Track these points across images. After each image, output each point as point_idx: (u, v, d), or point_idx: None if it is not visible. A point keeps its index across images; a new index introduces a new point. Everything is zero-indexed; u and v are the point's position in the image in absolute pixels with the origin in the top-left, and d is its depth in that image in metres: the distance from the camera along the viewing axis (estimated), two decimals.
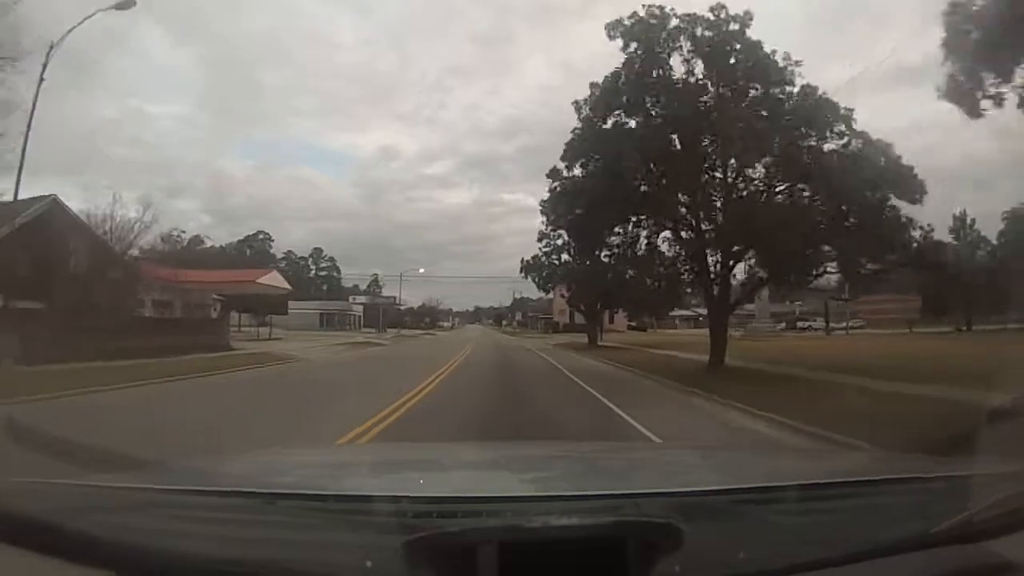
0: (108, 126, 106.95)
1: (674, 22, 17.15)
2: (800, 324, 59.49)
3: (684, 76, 17.05)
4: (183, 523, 1.31)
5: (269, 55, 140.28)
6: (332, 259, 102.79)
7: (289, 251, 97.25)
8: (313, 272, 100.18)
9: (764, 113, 16.42)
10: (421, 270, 66.57)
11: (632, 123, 17.60)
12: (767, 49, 16.88)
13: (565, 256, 32.19)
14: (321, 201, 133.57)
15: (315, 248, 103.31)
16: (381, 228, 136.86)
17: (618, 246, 19.80)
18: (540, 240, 32.59)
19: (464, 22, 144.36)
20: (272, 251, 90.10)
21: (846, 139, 16.30)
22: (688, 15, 17.19)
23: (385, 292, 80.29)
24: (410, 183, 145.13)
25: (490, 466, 2.42)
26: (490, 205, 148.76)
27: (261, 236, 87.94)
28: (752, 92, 16.91)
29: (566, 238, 26.49)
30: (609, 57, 17.97)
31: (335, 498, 1.47)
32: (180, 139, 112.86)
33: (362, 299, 75.15)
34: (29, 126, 17.25)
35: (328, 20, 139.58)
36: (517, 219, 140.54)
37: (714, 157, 17.34)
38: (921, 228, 15.86)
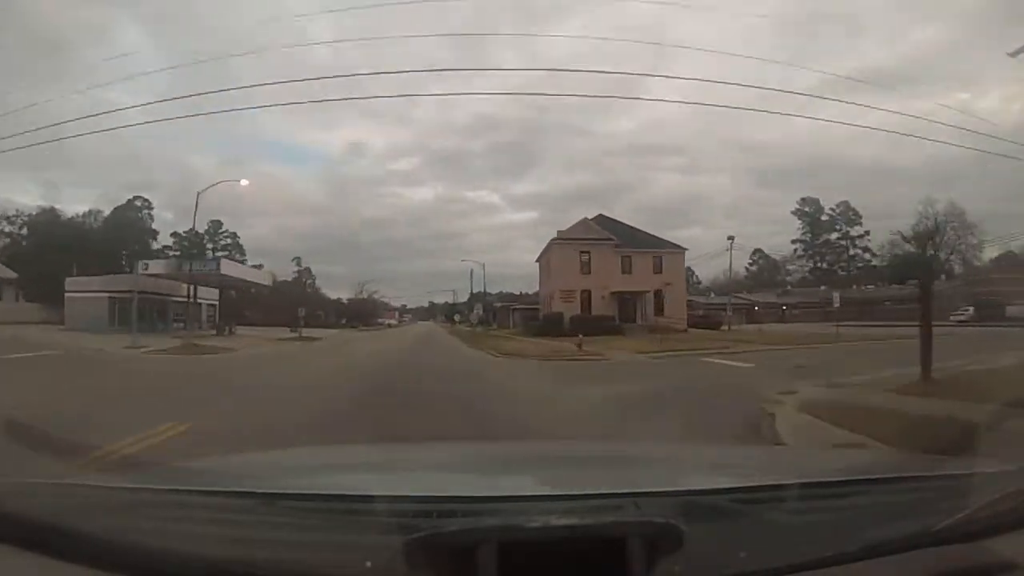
0: (72, 118, 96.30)
1: None
2: None
3: None
4: (182, 524, 1.37)
5: (241, 49, 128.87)
6: (235, 235, 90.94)
7: (191, 230, 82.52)
8: (211, 251, 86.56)
9: None
10: (244, 181, 50.93)
11: None
12: None
13: None
14: (287, 198, 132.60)
15: (212, 221, 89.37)
16: (347, 224, 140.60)
17: None
18: None
19: (439, 19, 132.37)
20: (153, 226, 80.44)
21: None
22: None
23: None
24: (377, 179, 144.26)
25: (490, 466, 2.49)
26: (454, 202, 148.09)
27: (139, 203, 77.62)
28: None
29: None
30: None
31: (335, 498, 1.54)
32: (146, 133, 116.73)
33: (159, 266, 46.99)
34: None
35: (302, 14, 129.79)
36: (481, 217, 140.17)
37: None
38: None
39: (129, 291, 43.83)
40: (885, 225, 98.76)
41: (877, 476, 1.82)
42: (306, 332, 49.59)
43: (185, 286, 47.06)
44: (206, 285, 49.26)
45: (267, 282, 61.34)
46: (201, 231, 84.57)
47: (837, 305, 33.80)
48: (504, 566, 1.07)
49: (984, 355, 19.10)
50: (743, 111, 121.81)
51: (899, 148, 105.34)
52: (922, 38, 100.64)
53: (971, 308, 49.43)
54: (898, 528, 1.32)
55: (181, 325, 45.17)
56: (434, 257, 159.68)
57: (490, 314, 76.32)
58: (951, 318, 48.95)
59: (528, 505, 1.45)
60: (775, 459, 2.88)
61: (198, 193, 42.61)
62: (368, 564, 1.11)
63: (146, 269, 45.78)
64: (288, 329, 50.28)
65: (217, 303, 55.70)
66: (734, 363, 19.70)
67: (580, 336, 28.67)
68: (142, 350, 26.12)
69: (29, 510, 1.32)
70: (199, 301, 51.23)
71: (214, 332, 44.97)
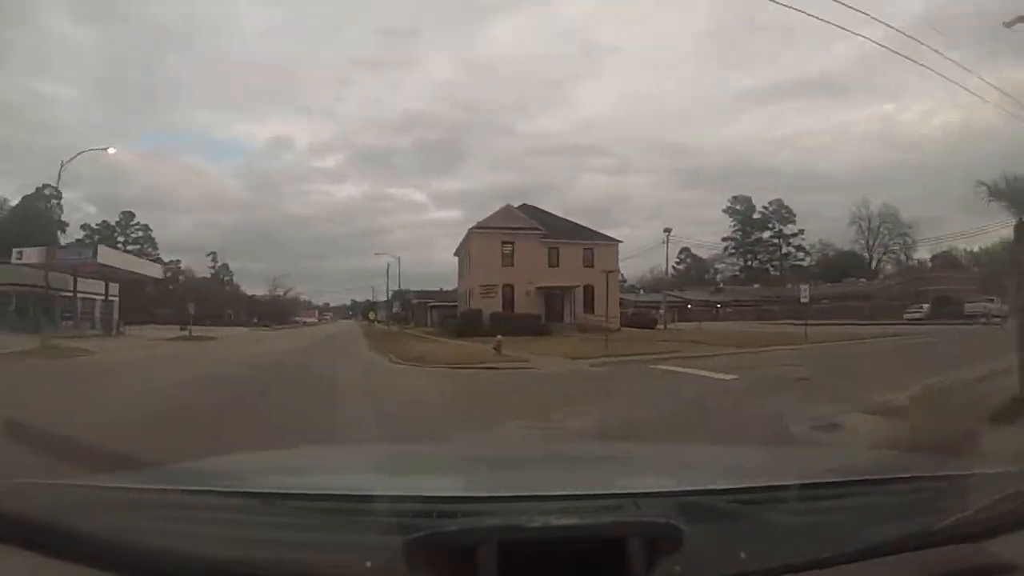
0: None
1: None
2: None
3: None
4: (182, 523, 1.38)
5: (170, 39, 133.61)
6: (147, 227, 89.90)
7: (104, 222, 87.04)
8: (122, 243, 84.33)
9: None
10: (111, 150, 47.91)
11: None
12: None
13: None
14: (210, 193, 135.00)
15: (124, 212, 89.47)
16: (271, 221, 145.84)
17: None
18: None
19: (373, 14, 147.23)
20: (63, 218, 74.75)
21: None
22: None
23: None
24: (302, 175, 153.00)
25: (490, 466, 2.50)
26: (379, 199, 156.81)
27: (47, 191, 71.31)
28: None
29: None
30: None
31: (335, 498, 1.55)
32: (72, 123, 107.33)
33: (33, 254, 40.24)
34: None
35: (233, 4, 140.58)
36: (405, 214, 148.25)
37: None
38: None
39: (11, 284, 40.07)
40: (814, 228, 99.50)
41: (877, 476, 1.82)
42: (207, 331, 46.78)
43: (83, 280, 43.26)
44: (84, 276, 43.75)
45: (158, 275, 56.97)
46: (112, 222, 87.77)
47: (805, 300, 29.16)
48: (504, 566, 1.06)
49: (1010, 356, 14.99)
50: (670, 113, 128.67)
51: (827, 155, 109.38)
52: (848, 50, 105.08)
53: (925, 306, 47.23)
54: (898, 528, 1.31)
55: (71, 323, 40.60)
56: (357, 255, 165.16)
57: (409, 312, 73.87)
58: (905, 316, 48.08)
59: (528, 505, 1.42)
60: (775, 459, 2.76)
61: (62, 162, 37.88)
62: (368, 564, 1.11)
63: (19, 258, 40.14)
64: (179, 327, 46.64)
65: (116, 299, 50.18)
66: (707, 373, 14.71)
67: (499, 337, 23.11)
68: None
69: (28, 510, 1.31)
70: (92, 296, 47.08)
71: (102, 332, 41.43)
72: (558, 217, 47.98)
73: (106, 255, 44.03)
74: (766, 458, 2.83)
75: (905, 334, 30.55)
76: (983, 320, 43.60)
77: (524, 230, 43.67)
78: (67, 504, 1.44)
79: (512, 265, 43.11)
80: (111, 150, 45.81)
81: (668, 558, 1.10)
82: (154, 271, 56.04)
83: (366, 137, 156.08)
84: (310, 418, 9.20)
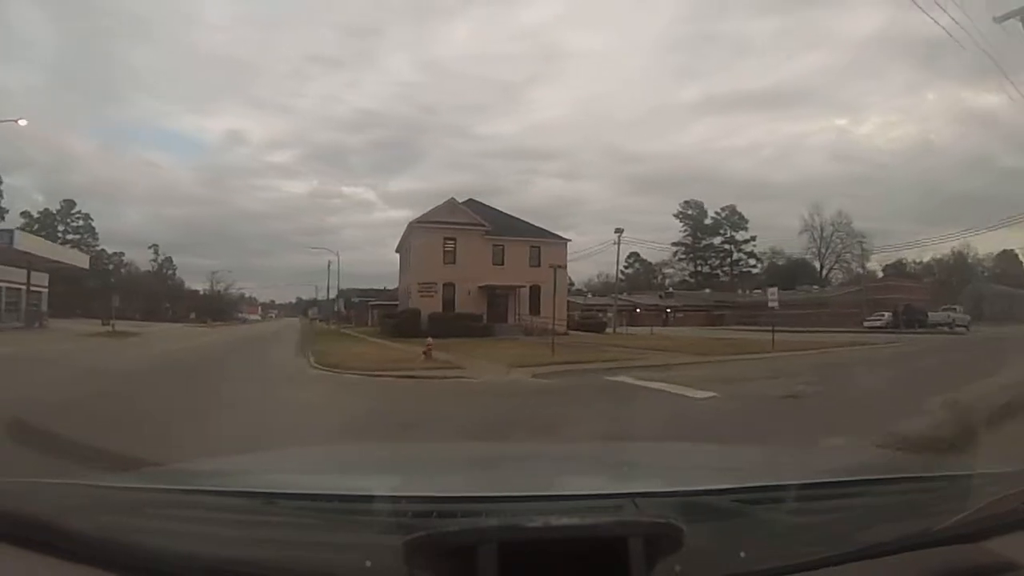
0: None
1: None
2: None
3: None
4: (183, 523, 1.38)
5: (125, 28, 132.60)
6: (87, 216, 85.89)
7: (45, 210, 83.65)
8: (62, 233, 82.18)
9: None
10: (22, 122, 41.16)
11: None
12: None
13: None
14: (162, 186, 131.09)
15: (64, 200, 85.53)
16: (222, 215, 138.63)
17: None
18: None
19: (336, 11, 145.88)
20: (3, 204, 74.24)
21: None
22: None
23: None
24: (255, 171, 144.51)
25: (490, 466, 2.49)
26: (330, 197, 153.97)
27: None
28: None
29: None
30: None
31: (335, 498, 1.55)
32: (21, 111, 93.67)
33: None
34: None
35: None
36: (356, 212, 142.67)
37: None
38: None
39: None
40: (767, 236, 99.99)
41: (877, 476, 1.81)
42: (136, 326, 45.04)
43: (9, 270, 40.98)
44: (2, 264, 40.98)
45: (84, 264, 53.05)
46: (53, 211, 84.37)
47: (774, 304, 26.78)
48: (504, 566, 1.07)
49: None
50: (624, 119, 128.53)
51: (782, 164, 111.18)
52: (805, 64, 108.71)
53: (886, 314, 46.60)
54: (898, 528, 1.32)
55: None
56: (307, 252, 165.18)
57: (350, 310, 72.78)
58: (865, 324, 47.71)
59: (528, 505, 1.43)
60: (775, 459, 2.76)
61: None
62: (368, 564, 1.12)
63: None
64: (100, 322, 45.33)
65: (44, 290, 47.96)
66: (676, 389, 12.30)
67: (429, 340, 20.59)
68: None
69: (29, 509, 1.31)
70: (18, 286, 44.24)
71: (23, 324, 40.07)
72: (504, 214, 45.39)
73: (25, 241, 40.43)
74: (766, 458, 2.79)
75: (873, 343, 29.14)
76: (947, 329, 43.12)
77: (468, 226, 41.10)
78: (67, 504, 1.42)
79: (454, 263, 40.50)
80: (22, 122, 41.45)
81: (668, 558, 1.10)
82: (80, 260, 52.25)
83: (321, 134, 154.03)
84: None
